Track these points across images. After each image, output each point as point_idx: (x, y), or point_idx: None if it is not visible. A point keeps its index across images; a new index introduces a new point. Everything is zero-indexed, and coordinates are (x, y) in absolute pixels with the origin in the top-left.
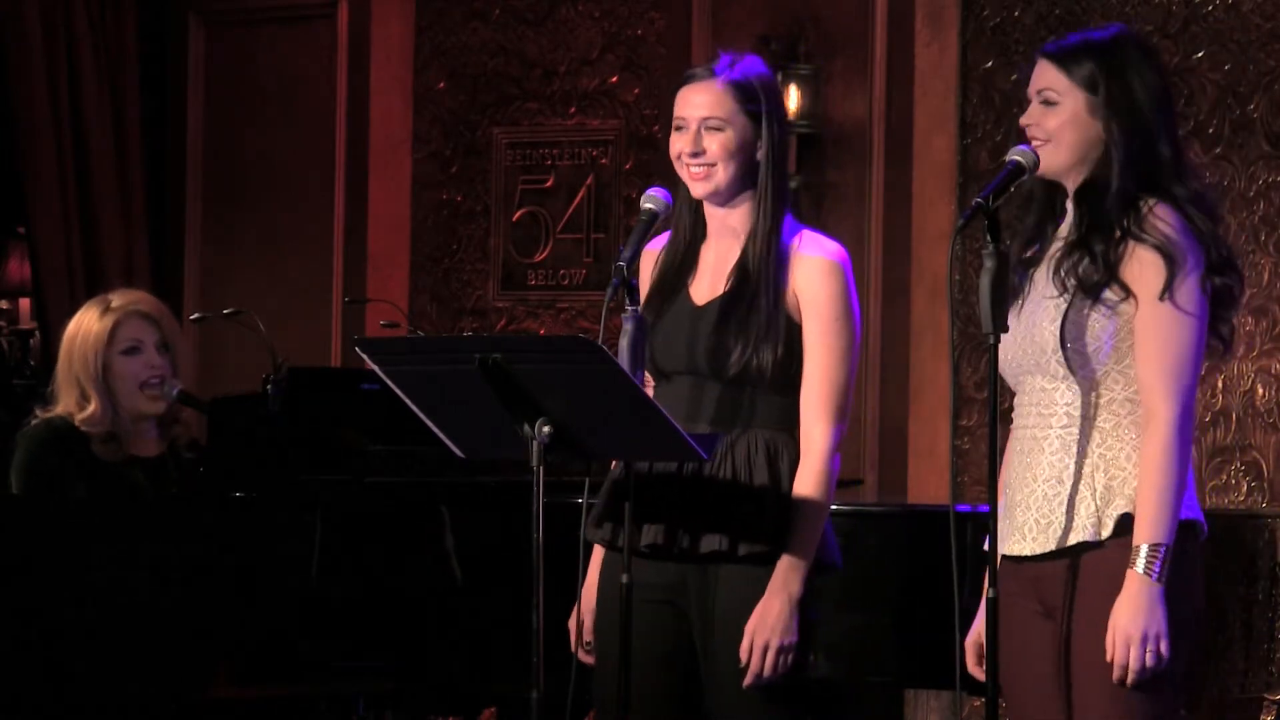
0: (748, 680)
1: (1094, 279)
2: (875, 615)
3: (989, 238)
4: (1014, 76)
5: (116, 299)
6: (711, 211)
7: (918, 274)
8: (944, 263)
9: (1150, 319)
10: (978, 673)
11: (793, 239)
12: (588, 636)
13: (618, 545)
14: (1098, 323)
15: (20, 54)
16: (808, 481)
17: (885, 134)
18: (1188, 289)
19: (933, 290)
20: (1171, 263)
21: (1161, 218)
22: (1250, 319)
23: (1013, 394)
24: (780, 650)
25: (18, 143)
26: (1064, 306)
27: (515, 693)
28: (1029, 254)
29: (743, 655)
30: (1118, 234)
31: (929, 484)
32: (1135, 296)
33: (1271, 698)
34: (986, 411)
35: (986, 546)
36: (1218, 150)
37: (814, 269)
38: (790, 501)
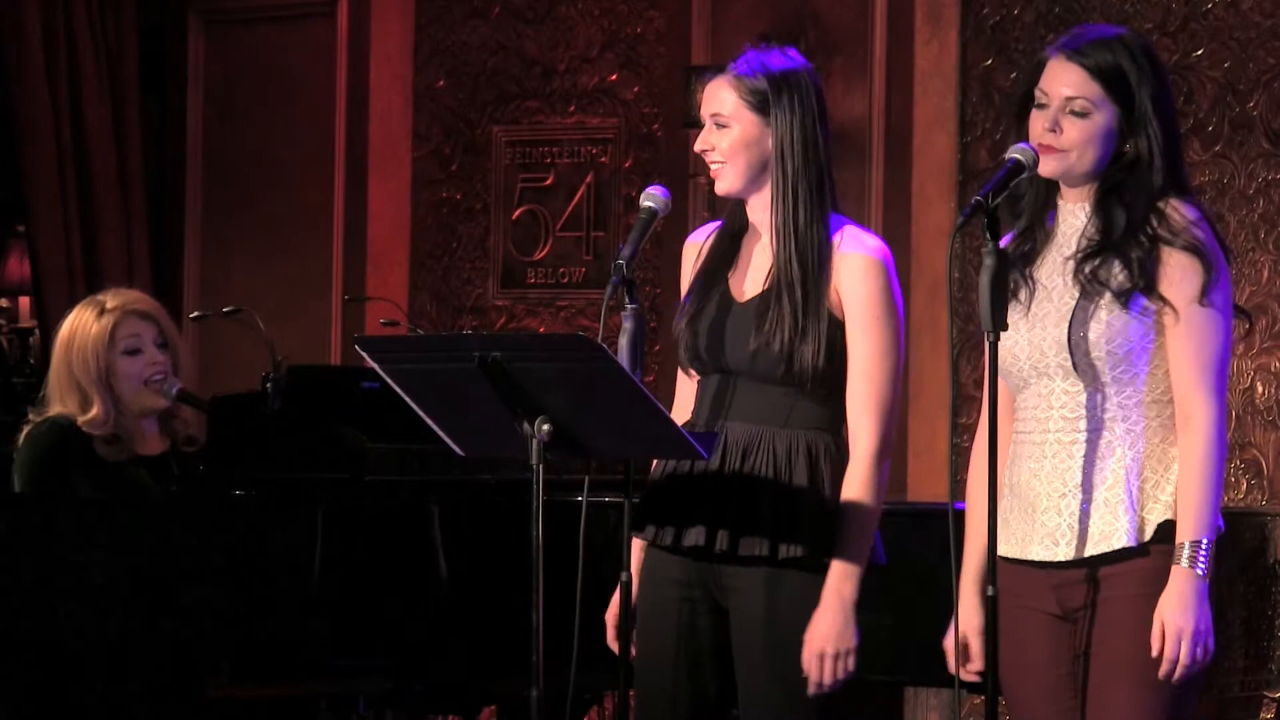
0: (810, 689)
1: (1126, 284)
2: (875, 614)
3: (988, 236)
4: (1014, 75)
5: (111, 300)
6: (749, 206)
7: (917, 272)
8: (943, 261)
9: (1189, 322)
10: (964, 674)
11: (835, 236)
12: (614, 619)
13: (658, 543)
14: (1130, 326)
15: (20, 53)
16: (855, 485)
17: (885, 132)
18: (1221, 288)
19: (932, 288)
20: (1207, 266)
21: (1185, 215)
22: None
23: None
24: (838, 657)
25: (18, 141)
26: (1093, 309)
27: (515, 691)
28: (1024, 250)
29: (804, 665)
30: (1145, 238)
31: (928, 482)
32: (1169, 299)
33: (1271, 695)
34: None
35: (981, 545)
36: (1217, 148)
37: (855, 267)
38: (838, 506)
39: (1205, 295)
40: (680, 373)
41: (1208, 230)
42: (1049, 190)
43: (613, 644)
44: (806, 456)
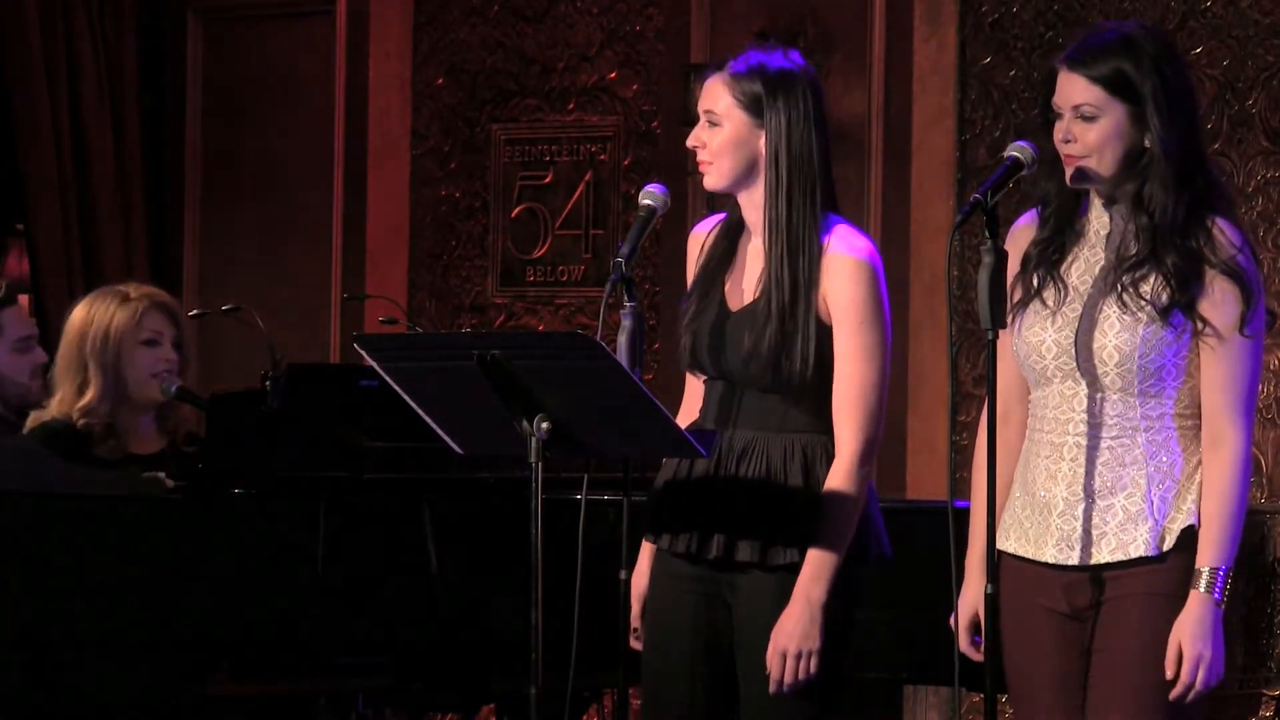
0: (771, 687)
1: (1166, 300)
2: (874, 611)
3: (987, 233)
4: (1013, 72)
5: (134, 290)
6: (741, 204)
7: (916, 269)
8: (942, 258)
9: (1226, 348)
10: (970, 652)
11: (826, 237)
12: (635, 623)
13: (663, 548)
14: (1165, 341)
15: (20, 52)
16: (834, 485)
17: (884, 130)
18: (1258, 317)
19: (931, 286)
20: (1247, 294)
21: (1230, 239)
22: None
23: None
24: (799, 656)
25: (17, 140)
26: (1129, 320)
27: (514, 689)
28: (1051, 252)
29: (766, 662)
30: (1187, 253)
31: (928, 480)
32: (1208, 320)
33: (1270, 693)
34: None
35: (979, 543)
36: (1216, 146)
37: (841, 269)
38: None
39: (1245, 325)
40: (689, 374)
41: (1249, 257)
42: (1078, 192)
43: (636, 645)
44: (802, 460)
